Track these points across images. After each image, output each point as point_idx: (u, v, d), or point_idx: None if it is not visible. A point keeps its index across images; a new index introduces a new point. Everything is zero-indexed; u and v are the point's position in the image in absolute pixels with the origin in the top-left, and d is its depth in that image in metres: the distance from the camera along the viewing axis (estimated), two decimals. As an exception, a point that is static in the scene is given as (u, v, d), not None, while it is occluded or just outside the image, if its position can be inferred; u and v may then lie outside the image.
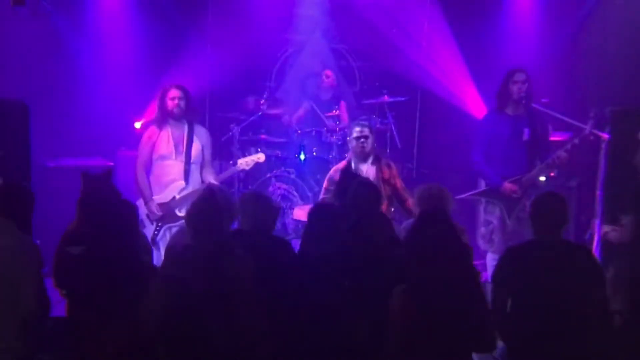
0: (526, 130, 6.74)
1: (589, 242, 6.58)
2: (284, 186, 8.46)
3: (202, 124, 7.53)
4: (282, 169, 8.58)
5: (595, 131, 6.65)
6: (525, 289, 4.45)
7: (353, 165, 6.69)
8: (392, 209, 6.75)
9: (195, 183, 6.77)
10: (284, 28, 9.43)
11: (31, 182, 6.56)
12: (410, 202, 6.43)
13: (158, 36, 8.90)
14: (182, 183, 6.72)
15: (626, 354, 4.20)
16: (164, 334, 4.08)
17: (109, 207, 4.59)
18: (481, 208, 6.93)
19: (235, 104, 9.18)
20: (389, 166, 6.72)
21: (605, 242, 6.01)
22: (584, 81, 8.50)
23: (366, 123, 6.96)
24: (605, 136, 6.63)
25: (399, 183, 6.70)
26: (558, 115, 7.14)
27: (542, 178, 7.17)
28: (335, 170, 6.77)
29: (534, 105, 6.84)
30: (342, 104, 9.07)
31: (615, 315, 4.51)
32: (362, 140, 6.61)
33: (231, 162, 8.67)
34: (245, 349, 4.16)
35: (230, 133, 8.60)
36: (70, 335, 4.44)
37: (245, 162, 7.04)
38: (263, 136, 8.85)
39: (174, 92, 6.73)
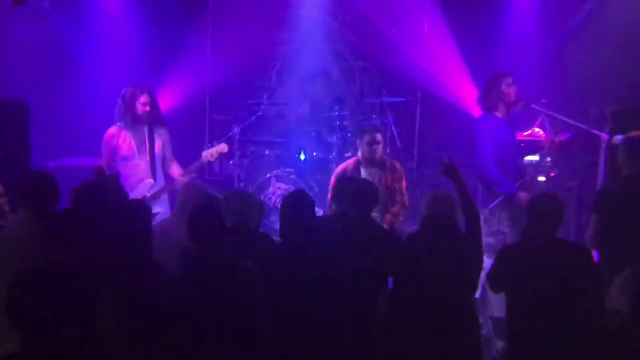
0: (516, 134, 6.78)
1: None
2: (284, 186, 8.44)
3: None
4: (282, 169, 8.57)
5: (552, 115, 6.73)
6: (521, 289, 4.45)
7: (361, 167, 6.67)
8: (401, 217, 6.71)
9: (161, 180, 6.77)
10: (284, 28, 9.44)
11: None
12: (397, 208, 6.51)
13: (158, 36, 8.91)
14: (151, 181, 6.70)
15: (626, 354, 4.19)
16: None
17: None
18: (492, 218, 6.70)
19: (235, 105, 9.18)
20: (393, 171, 6.66)
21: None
22: (584, 81, 8.50)
23: (379, 128, 6.95)
24: (605, 136, 6.63)
25: (397, 187, 6.65)
26: (557, 115, 7.14)
27: (542, 178, 7.15)
28: (343, 169, 6.75)
29: (532, 105, 6.85)
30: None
31: (616, 315, 4.50)
32: (374, 146, 6.59)
33: (231, 162, 8.68)
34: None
35: (231, 133, 8.59)
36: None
37: (210, 154, 6.82)
38: (263, 136, 8.85)
39: (146, 98, 6.72)
